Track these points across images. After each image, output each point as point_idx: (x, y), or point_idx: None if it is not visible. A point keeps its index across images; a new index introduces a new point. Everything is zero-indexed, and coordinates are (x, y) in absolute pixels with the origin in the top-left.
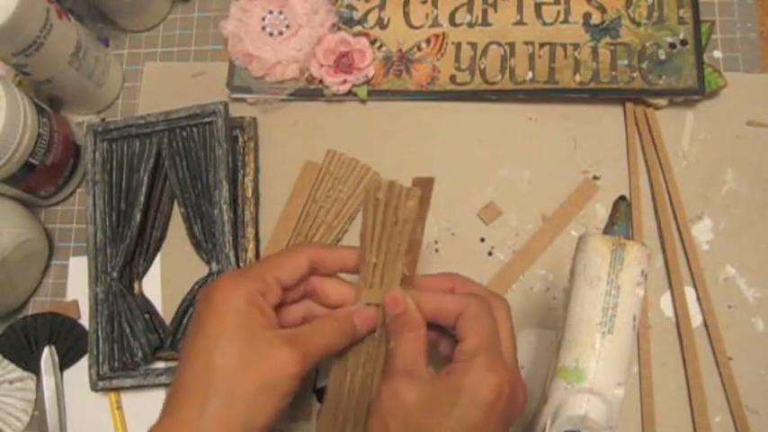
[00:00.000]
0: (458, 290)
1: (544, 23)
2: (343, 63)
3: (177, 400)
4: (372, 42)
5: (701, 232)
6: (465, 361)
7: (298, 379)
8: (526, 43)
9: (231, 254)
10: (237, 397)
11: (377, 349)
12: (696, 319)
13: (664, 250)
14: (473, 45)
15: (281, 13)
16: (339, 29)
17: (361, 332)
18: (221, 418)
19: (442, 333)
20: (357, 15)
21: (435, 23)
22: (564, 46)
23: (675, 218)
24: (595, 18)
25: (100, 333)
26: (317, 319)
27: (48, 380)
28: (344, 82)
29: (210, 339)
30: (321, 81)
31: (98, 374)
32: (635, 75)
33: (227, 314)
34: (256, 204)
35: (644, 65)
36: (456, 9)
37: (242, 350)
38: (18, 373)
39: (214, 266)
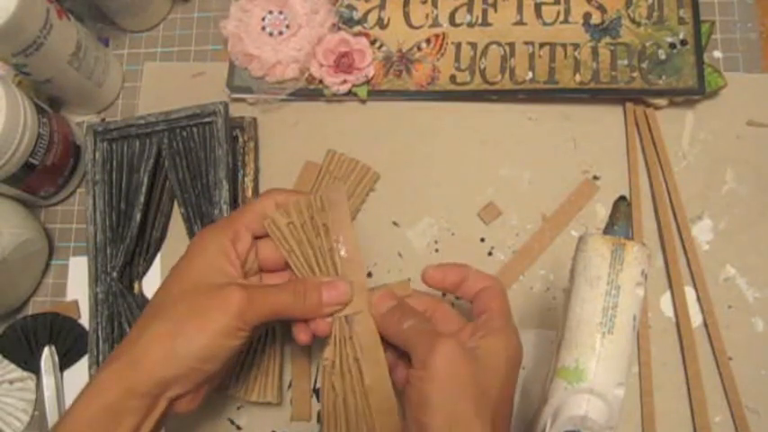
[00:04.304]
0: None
1: (544, 23)
2: (344, 63)
3: (134, 325)
4: (372, 42)
5: (701, 232)
6: (498, 329)
7: (239, 321)
8: (526, 43)
9: None
10: (175, 319)
11: (358, 371)
12: (696, 319)
13: (664, 250)
14: (473, 45)
15: (281, 13)
16: (339, 29)
17: (328, 303)
18: (156, 337)
19: (399, 358)
20: (357, 15)
21: (435, 23)
22: (564, 46)
23: (675, 218)
24: (595, 18)
25: (100, 333)
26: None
27: (48, 380)
28: (344, 82)
29: (175, 278)
30: (321, 81)
31: None
32: (635, 75)
33: (196, 258)
34: None
35: (644, 65)
36: (456, 9)
37: (197, 286)
38: (18, 373)
39: None
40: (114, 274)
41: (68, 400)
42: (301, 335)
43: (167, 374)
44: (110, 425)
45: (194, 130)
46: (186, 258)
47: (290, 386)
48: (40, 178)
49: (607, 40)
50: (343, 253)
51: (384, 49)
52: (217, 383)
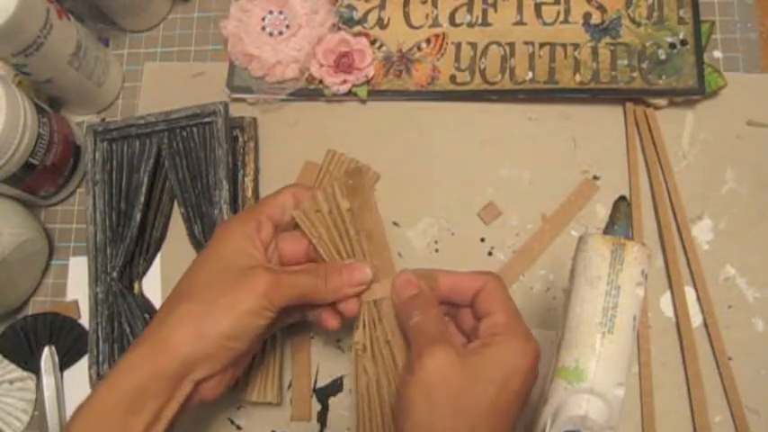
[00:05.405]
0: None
1: (544, 23)
2: (344, 63)
3: (159, 310)
4: (372, 42)
5: (701, 232)
6: (501, 333)
7: (266, 300)
8: (526, 43)
9: None
10: (204, 300)
11: (390, 353)
12: (696, 319)
13: (664, 250)
14: (473, 45)
15: (281, 13)
16: (339, 29)
17: (349, 285)
18: (183, 317)
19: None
20: (357, 15)
21: (435, 23)
22: (564, 46)
23: (675, 218)
24: (595, 18)
25: (100, 333)
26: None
27: (48, 380)
28: (344, 82)
29: (202, 264)
30: (321, 81)
31: (98, 374)
32: (635, 75)
33: (222, 244)
34: None
35: (644, 65)
36: (456, 9)
37: (225, 269)
38: (18, 373)
39: None
40: (114, 274)
41: (68, 400)
42: (329, 320)
43: (192, 353)
44: (131, 410)
45: (194, 130)
46: (212, 245)
47: (290, 386)
48: (40, 178)
49: (607, 40)
50: (368, 237)
51: (384, 49)
52: (240, 371)
